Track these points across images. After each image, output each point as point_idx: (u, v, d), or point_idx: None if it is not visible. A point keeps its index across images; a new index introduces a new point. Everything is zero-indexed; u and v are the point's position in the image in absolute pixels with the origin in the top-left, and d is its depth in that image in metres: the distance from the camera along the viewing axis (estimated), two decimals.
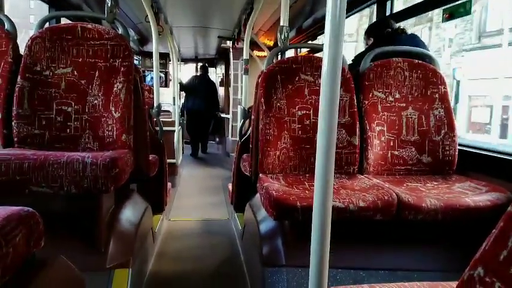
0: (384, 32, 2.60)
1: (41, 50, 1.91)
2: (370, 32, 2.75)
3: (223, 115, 7.26)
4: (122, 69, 1.93)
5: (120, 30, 2.07)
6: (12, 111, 1.83)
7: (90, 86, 1.92)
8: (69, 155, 1.50)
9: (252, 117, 2.27)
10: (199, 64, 7.46)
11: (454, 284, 0.79)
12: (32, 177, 1.43)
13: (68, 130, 1.89)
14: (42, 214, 0.99)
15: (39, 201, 1.40)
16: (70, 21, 2.50)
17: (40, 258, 0.98)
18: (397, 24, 2.66)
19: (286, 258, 1.62)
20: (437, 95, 2.10)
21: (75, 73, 1.93)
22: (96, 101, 1.91)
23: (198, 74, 7.21)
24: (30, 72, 1.88)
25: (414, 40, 2.50)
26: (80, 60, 1.94)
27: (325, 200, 0.89)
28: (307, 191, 1.62)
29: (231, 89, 6.57)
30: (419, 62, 2.16)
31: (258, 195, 1.99)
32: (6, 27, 1.97)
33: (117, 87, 1.91)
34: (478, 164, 2.01)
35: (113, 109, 1.90)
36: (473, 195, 1.62)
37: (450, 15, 2.34)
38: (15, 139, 1.83)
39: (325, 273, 0.90)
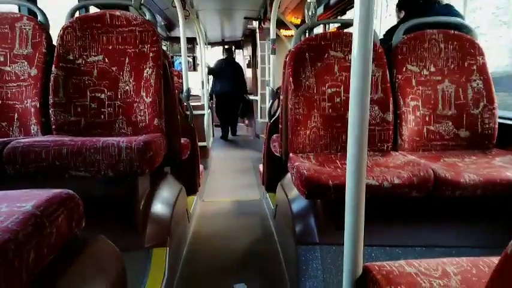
0: (416, 3, 2.48)
1: (73, 40, 1.97)
2: (401, 4, 2.63)
3: (251, 97, 7.26)
4: (151, 54, 1.96)
5: (147, 16, 2.08)
6: (49, 99, 1.91)
7: (121, 73, 1.96)
8: (105, 140, 1.55)
9: (281, 97, 2.25)
10: (226, 47, 7.45)
11: (495, 259, 0.76)
12: (70, 162, 1.49)
13: (102, 116, 1.95)
14: (82, 197, 1.03)
15: (78, 185, 1.46)
16: (99, 10, 2.54)
17: (82, 238, 1.02)
18: None
19: (319, 236, 1.62)
20: (475, 67, 2.00)
21: (106, 60, 1.97)
22: (127, 87, 1.96)
23: (224, 57, 7.21)
24: (64, 61, 1.94)
25: (449, 10, 2.37)
26: (110, 47, 1.98)
27: (359, 178, 0.87)
28: (339, 170, 1.61)
29: (258, 71, 6.53)
30: (455, 32, 2.06)
31: (289, 175, 1.99)
32: (39, 18, 2.03)
33: (147, 72, 1.94)
34: None
35: (144, 94, 1.94)
36: None
37: None
38: (53, 126, 1.91)
39: (360, 250, 0.90)
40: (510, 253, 0.53)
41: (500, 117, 1.99)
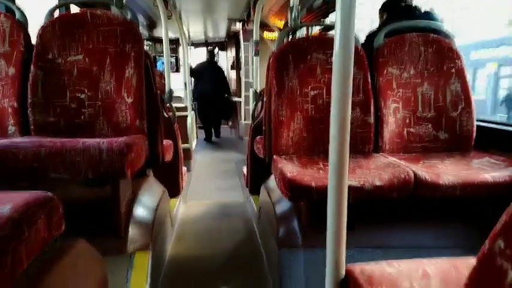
0: (398, 8, 2.53)
1: (52, 38, 1.92)
2: (384, 7, 2.68)
3: (235, 99, 7.25)
4: (133, 54, 1.93)
5: (129, 16, 2.06)
6: (27, 99, 1.86)
7: (102, 72, 1.93)
8: (85, 141, 1.52)
9: (265, 99, 2.26)
10: (209, 48, 7.42)
11: (473, 259, 0.78)
12: (49, 163, 1.46)
13: (82, 117, 1.91)
14: (62, 200, 1.01)
15: (57, 187, 1.43)
16: (79, 9, 2.50)
17: (61, 242, 1.00)
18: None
19: (302, 239, 1.63)
20: (453, 70, 2.04)
21: (87, 60, 1.94)
22: (108, 87, 1.92)
23: (206, 59, 7.18)
24: (43, 60, 1.90)
25: (428, 16, 2.43)
26: (90, 46, 1.95)
27: (341, 180, 0.88)
28: (321, 171, 1.62)
29: (242, 72, 6.53)
30: (434, 36, 2.10)
31: (272, 177, 2.00)
32: (17, 16, 1.98)
33: (128, 72, 1.92)
34: (497, 140, 1.97)
35: (126, 95, 1.91)
36: (491, 170, 1.59)
37: None
38: (32, 127, 1.87)
39: (342, 252, 0.91)
40: (487, 252, 0.54)
41: (477, 120, 2.04)
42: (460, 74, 2.04)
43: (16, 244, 0.76)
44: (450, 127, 2.01)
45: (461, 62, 2.06)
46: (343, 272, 0.91)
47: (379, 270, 0.82)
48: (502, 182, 1.50)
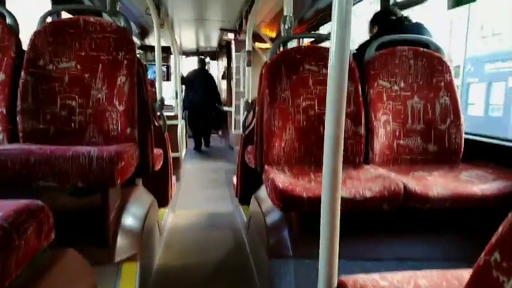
0: (389, 20, 2.57)
1: (44, 45, 1.91)
2: (374, 20, 2.72)
3: (226, 108, 7.25)
4: (125, 62, 1.92)
5: (122, 23, 2.06)
6: (17, 106, 1.83)
7: (93, 80, 1.92)
8: (75, 149, 1.50)
9: (256, 108, 2.26)
10: (201, 57, 7.44)
11: (464, 271, 0.78)
12: (38, 171, 1.43)
13: (73, 124, 1.89)
14: (50, 209, 0.99)
15: (46, 195, 1.40)
16: (72, 16, 2.49)
17: (51, 252, 0.98)
18: (402, 13, 2.63)
19: (293, 250, 1.62)
20: (442, 83, 2.08)
21: (79, 67, 1.92)
22: (100, 95, 1.91)
23: (196, 68, 7.20)
24: (34, 66, 1.88)
25: (419, 28, 2.47)
26: (82, 53, 1.93)
27: (334, 191, 0.88)
28: (313, 182, 1.62)
29: (233, 82, 6.55)
30: (425, 50, 2.14)
31: (263, 187, 1.99)
32: (8, 21, 1.95)
33: (120, 80, 1.91)
34: (485, 153, 2.00)
35: (117, 102, 1.90)
36: (480, 183, 1.61)
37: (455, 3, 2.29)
38: (20, 134, 1.84)
39: (335, 264, 0.90)
40: (482, 265, 0.54)
41: (466, 133, 2.07)
42: (449, 87, 2.07)
43: (5, 253, 0.75)
44: (439, 140, 2.04)
45: (450, 75, 2.09)
46: (335, 284, 0.90)
47: (372, 283, 0.82)
48: (490, 194, 1.52)
